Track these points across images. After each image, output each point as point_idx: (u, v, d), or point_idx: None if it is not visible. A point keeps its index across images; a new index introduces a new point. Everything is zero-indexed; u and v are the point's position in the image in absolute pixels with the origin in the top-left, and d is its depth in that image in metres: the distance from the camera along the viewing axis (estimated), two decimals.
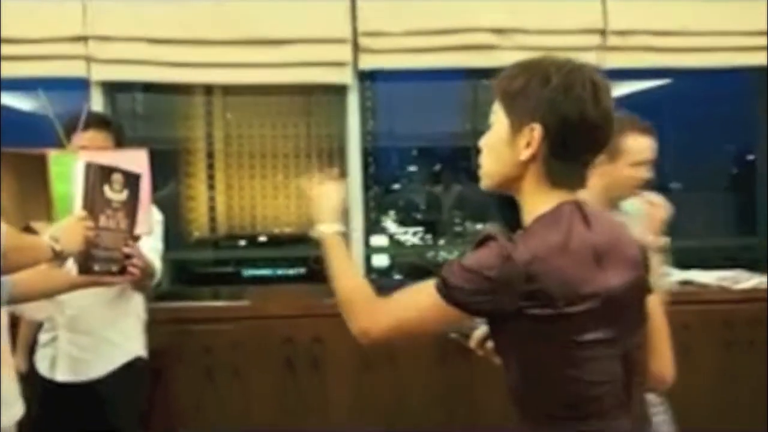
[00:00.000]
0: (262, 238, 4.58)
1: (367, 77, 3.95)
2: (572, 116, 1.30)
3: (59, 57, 3.49)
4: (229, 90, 4.27)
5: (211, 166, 4.45)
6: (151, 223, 2.26)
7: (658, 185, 2.23)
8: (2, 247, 1.53)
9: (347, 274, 1.52)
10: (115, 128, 2.55)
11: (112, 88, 3.75)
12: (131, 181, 1.95)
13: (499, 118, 1.39)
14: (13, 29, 3.40)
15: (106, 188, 1.89)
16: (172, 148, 4.48)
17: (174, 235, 4.20)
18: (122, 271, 1.98)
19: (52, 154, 1.99)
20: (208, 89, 4.33)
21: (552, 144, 1.32)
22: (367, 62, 3.65)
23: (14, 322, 2.54)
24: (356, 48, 3.61)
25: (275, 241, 4.57)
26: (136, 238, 2.11)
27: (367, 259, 4.12)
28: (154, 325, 2.75)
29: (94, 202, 1.86)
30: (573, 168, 1.36)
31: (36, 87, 3.94)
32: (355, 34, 3.59)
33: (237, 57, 3.60)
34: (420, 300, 1.35)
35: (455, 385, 3.27)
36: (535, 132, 1.32)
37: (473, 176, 1.51)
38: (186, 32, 3.54)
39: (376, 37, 3.59)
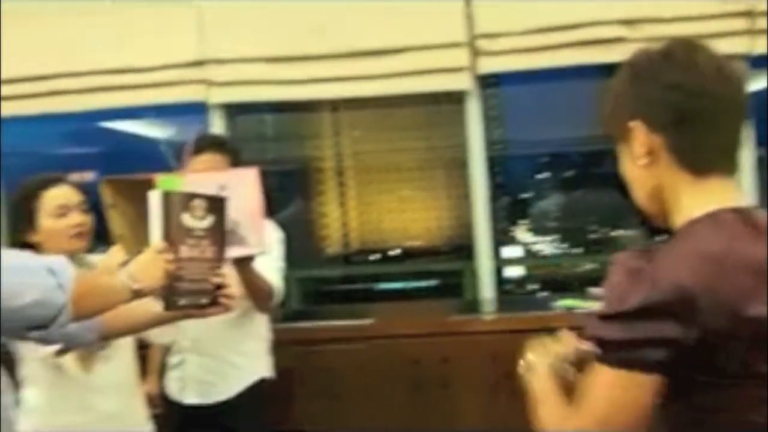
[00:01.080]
0: (394, 252, 4.51)
1: (489, 83, 3.78)
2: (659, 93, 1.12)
3: (178, 83, 3.54)
4: (353, 105, 4.22)
5: (341, 184, 4.44)
6: (266, 243, 2.18)
7: None
8: (75, 293, 1.46)
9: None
10: (230, 150, 2.51)
11: (236, 111, 3.78)
12: (216, 205, 1.80)
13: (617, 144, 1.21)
14: (130, 58, 3.49)
15: (187, 216, 1.72)
16: (302, 167, 4.49)
17: (306, 252, 4.20)
18: (213, 302, 1.81)
19: (160, 178, 1.94)
20: (335, 106, 4.30)
21: (665, 132, 1.13)
22: (486, 66, 3.50)
23: (145, 345, 2.56)
24: (473, 52, 3.46)
25: (406, 254, 4.48)
26: (250, 259, 2.06)
27: (498, 271, 3.93)
28: (280, 346, 2.70)
29: (173, 232, 1.68)
30: (706, 150, 1.14)
31: (157, 114, 4.10)
32: (472, 37, 3.44)
33: (352, 70, 3.54)
34: (597, 388, 1.10)
35: None
36: (636, 130, 1.14)
37: (608, 181, 1.31)
38: (301, 48, 3.52)
39: (494, 38, 3.43)
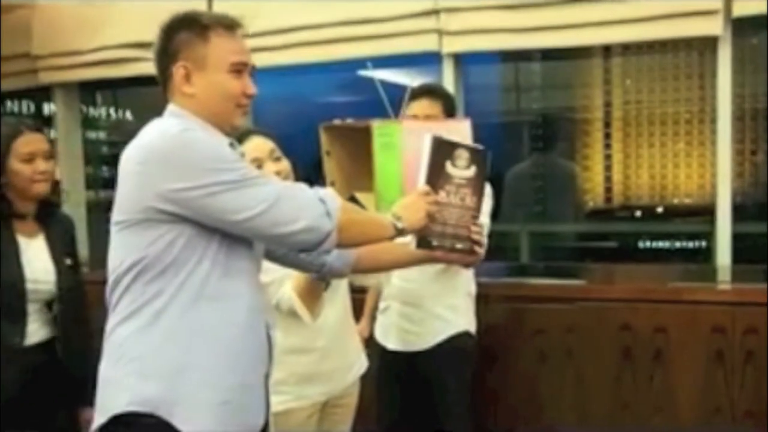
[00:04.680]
0: (660, 209, 4.30)
1: None
2: None
3: (412, 33, 3.59)
4: (624, 52, 4.01)
5: (608, 135, 4.29)
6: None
7: None
8: (342, 222, 1.56)
9: None
10: (444, 98, 2.53)
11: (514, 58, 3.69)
12: (478, 157, 1.86)
13: None
14: (368, 10, 3.61)
15: (449, 164, 1.81)
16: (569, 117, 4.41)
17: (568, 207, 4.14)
18: (470, 249, 1.89)
19: (377, 126, 1.99)
20: (606, 53, 4.13)
21: None
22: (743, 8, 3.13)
23: (361, 290, 2.67)
24: None
25: (673, 212, 4.25)
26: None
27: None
28: (487, 302, 2.68)
29: (437, 178, 1.80)
30: None
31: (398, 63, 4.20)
32: None
33: (590, 16, 3.35)
34: None
35: None
36: None
37: None
38: None
39: None
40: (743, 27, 3.34)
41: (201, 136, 1.52)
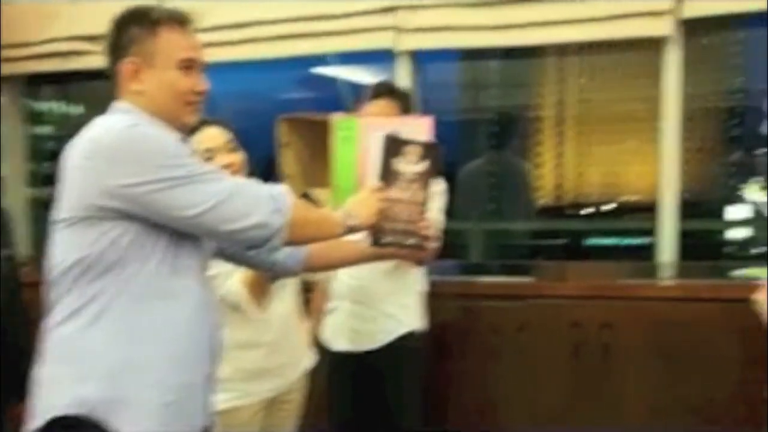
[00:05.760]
0: (610, 207, 4.37)
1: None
2: None
3: (368, 30, 3.59)
4: (579, 51, 4.06)
5: (561, 133, 4.34)
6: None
7: None
8: (292, 219, 1.56)
9: None
10: (402, 98, 2.51)
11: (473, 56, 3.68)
12: (430, 152, 1.87)
13: None
14: (323, 7, 3.58)
15: (401, 160, 1.83)
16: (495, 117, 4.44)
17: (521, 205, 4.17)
18: (417, 245, 1.90)
19: (337, 119, 1.99)
20: (561, 52, 4.17)
21: None
22: (692, 10, 3.20)
23: (309, 289, 2.65)
24: None
25: (624, 209, 4.32)
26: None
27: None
28: (437, 300, 2.68)
29: (389, 174, 1.82)
30: None
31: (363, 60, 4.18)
32: None
33: (547, 16, 3.39)
34: None
35: None
36: None
37: None
38: None
39: None
40: (696, 28, 3.40)
41: (150, 131, 1.50)
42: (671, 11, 3.22)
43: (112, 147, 1.45)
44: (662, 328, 2.81)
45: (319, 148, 2.04)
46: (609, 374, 2.90)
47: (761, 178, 4.71)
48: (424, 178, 1.85)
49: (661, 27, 3.26)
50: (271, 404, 2.23)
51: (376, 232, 1.82)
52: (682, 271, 3.33)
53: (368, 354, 2.53)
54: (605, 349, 2.87)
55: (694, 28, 3.38)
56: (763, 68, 3.58)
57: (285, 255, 1.85)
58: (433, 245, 1.94)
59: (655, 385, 2.86)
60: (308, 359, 2.39)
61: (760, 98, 4.12)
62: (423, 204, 1.87)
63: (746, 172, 4.64)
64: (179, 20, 1.59)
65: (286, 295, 2.26)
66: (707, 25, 3.55)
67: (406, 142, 1.84)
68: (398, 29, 3.56)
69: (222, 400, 1.88)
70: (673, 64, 3.34)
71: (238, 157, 2.12)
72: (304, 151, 2.22)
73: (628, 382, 2.89)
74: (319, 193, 2.12)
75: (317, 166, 2.09)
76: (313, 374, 2.40)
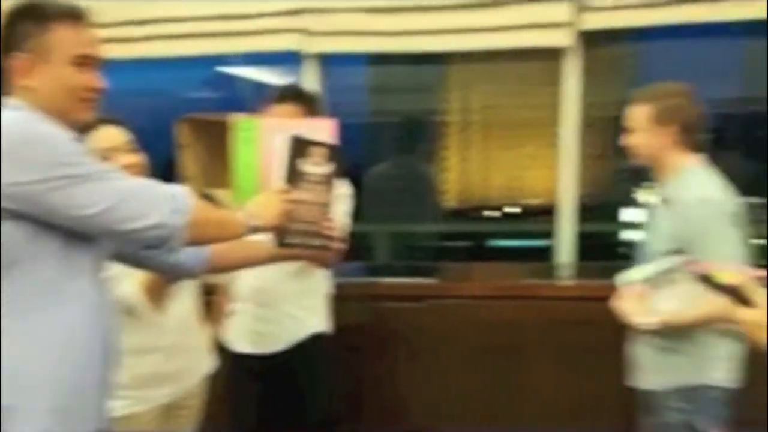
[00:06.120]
0: (514, 210, 4.47)
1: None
2: None
3: (275, 31, 3.57)
4: (484, 58, 4.14)
5: (466, 138, 4.40)
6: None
7: None
8: (193, 219, 1.52)
9: None
10: (308, 102, 2.50)
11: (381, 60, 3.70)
12: (335, 154, 1.87)
13: None
14: (230, 6, 3.54)
15: (306, 161, 1.82)
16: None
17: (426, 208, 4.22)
18: (323, 246, 1.90)
19: (237, 120, 1.97)
20: (467, 59, 4.23)
21: None
22: (591, 22, 3.33)
23: (210, 291, 2.60)
24: (579, 7, 3.31)
25: (528, 212, 4.42)
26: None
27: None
28: (343, 301, 2.69)
29: (294, 175, 1.80)
30: None
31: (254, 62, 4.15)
32: None
33: (455, 22, 3.47)
34: None
35: None
36: None
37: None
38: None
39: None
40: (596, 39, 3.53)
41: (44, 129, 1.45)
42: (571, 23, 3.34)
43: (3, 145, 1.40)
44: (561, 327, 2.90)
45: (219, 149, 2.01)
46: (511, 372, 2.97)
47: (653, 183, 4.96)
48: (329, 180, 1.85)
49: (562, 38, 3.38)
50: (169, 410, 2.19)
51: (281, 232, 1.81)
52: (580, 271, 3.45)
53: (274, 356, 2.51)
54: (508, 347, 2.95)
55: (592, 40, 3.50)
56: (660, 79, 3.75)
57: (186, 255, 1.81)
58: (338, 246, 1.95)
59: (555, 382, 2.94)
60: (208, 363, 2.35)
61: None
62: (328, 205, 1.87)
63: (639, 177, 4.85)
64: (74, 15, 1.54)
65: (184, 296, 2.22)
66: (605, 37, 3.69)
67: (312, 144, 1.82)
68: (307, 32, 3.56)
69: (118, 407, 1.83)
70: (572, 74, 3.47)
71: (139, 159, 2.07)
72: (204, 152, 2.18)
73: (531, 379, 2.97)
74: (219, 194, 2.09)
75: (218, 167, 2.06)
76: (214, 379, 2.36)
